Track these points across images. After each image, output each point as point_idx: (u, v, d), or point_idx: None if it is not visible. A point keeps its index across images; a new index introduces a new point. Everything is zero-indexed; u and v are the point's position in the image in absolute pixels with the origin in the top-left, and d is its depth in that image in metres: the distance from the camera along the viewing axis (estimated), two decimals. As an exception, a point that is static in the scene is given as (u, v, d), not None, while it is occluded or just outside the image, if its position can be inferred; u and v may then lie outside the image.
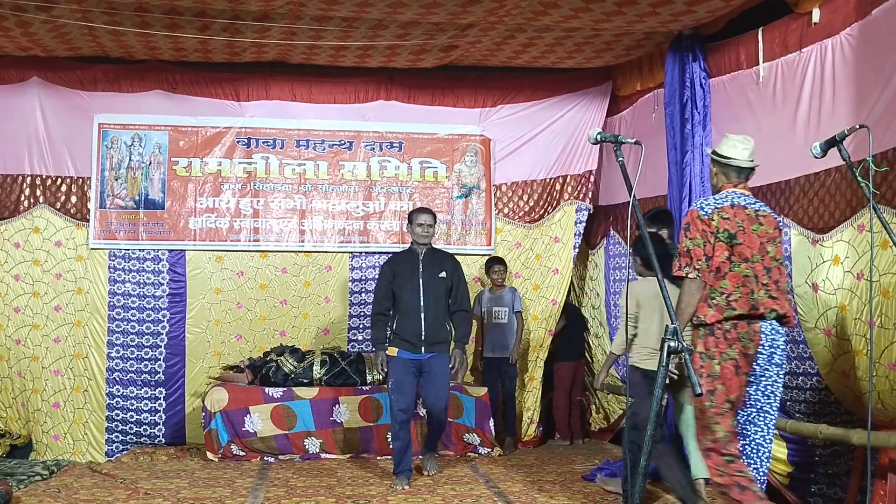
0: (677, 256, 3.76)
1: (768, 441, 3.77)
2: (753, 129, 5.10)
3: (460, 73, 6.99)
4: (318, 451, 6.34)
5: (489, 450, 6.46)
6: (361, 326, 7.12)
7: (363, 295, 7.11)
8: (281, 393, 6.35)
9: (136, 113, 6.81)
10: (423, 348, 5.37)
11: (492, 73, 7.01)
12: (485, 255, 7.14)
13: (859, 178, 3.01)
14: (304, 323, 7.06)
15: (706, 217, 3.71)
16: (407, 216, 5.65)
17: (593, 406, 7.33)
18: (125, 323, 6.76)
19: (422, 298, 5.39)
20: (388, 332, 5.50)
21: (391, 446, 5.59)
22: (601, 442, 6.98)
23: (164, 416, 6.75)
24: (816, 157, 3.25)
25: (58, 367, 6.65)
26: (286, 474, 5.73)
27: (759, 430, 3.76)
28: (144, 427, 6.71)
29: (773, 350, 3.71)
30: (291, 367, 6.50)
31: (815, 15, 4.52)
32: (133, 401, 6.72)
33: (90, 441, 6.63)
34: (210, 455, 6.23)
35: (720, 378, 3.63)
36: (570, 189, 7.18)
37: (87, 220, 6.74)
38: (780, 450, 4.97)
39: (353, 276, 7.12)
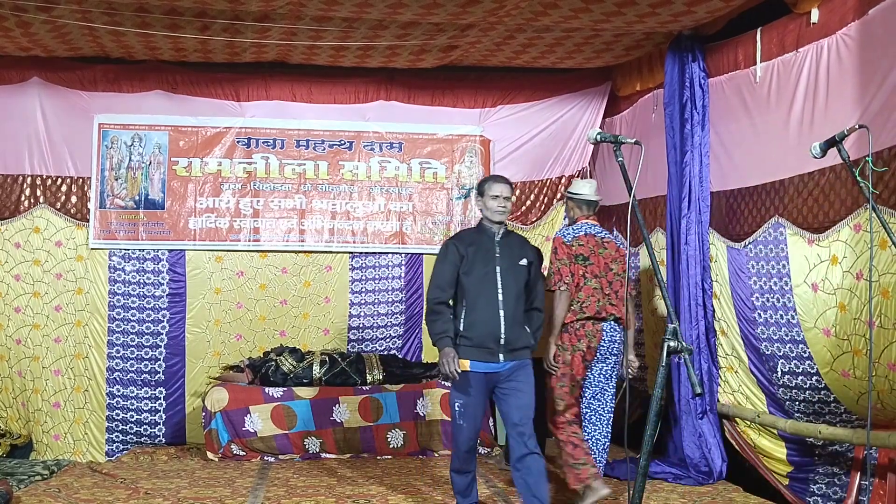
0: (550, 275, 4.87)
1: (607, 411, 5.01)
2: (749, 129, 5.12)
3: (460, 74, 6.99)
4: (318, 451, 6.35)
5: (489, 450, 6.46)
6: (361, 326, 7.12)
7: (363, 295, 7.12)
8: (281, 393, 6.36)
9: (136, 113, 6.81)
10: (501, 355, 4.16)
11: (492, 73, 7.01)
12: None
13: (859, 179, 3.01)
14: (304, 323, 7.06)
15: (568, 244, 4.86)
16: (476, 186, 4.50)
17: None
18: (125, 323, 6.77)
19: (500, 291, 4.20)
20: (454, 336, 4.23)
21: (452, 483, 4.42)
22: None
23: (164, 416, 6.75)
24: (816, 157, 3.26)
25: (58, 367, 6.66)
26: (286, 474, 5.73)
27: (601, 404, 5.02)
28: (144, 427, 6.71)
29: (611, 344, 4.92)
30: (291, 367, 6.50)
31: (814, 15, 4.53)
32: (133, 401, 6.72)
33: (90, 441, 6.64)
34: (210, 455, 6.24)
35: (571, 364, 4.86)
36: (563, 189, 7.20)
37: (88, 220, 6.74)
38: (780, 450, 4.98)
39: (353, 276, 7.12)
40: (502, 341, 4.16)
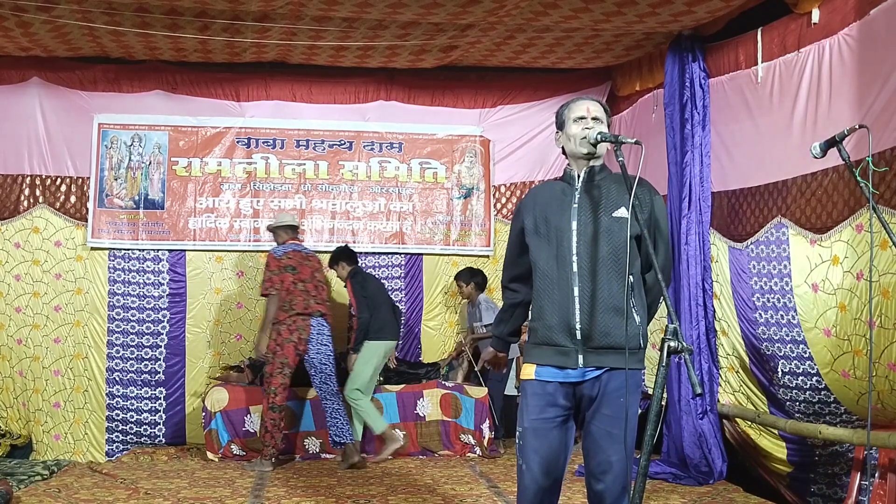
0: (263, 283, 5.96)
1: (336, 403, 5.96)
2: (751, 129, 5.12)
3: (460, 74, 6.99)
4: (318, 451, 6.34)
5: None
6: (361, 326, 7.11)
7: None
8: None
9: (136, 113, 6.82)
10: (580, 357, 2.78)
11: (492, 73, 7.01)
12: (484, 255, 7.14)
13: (859, 179, 3.01)
14: (304, 323, 7.05)
15: (278, 258, 5.95)
16: (555, 119, 3.05)
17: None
18: (125, 323, 6.76)
19: (575, 256, 2.81)
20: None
21: None
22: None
23: (164, 416, 6.75)
24: (816, 157, 3.26)
25: (58, 367, 6.65)
26: (286, 474, 5.73)
27: (329, 387, 5.98)
28: (144, 427, 6.71)
29: (319, 335, 5.96)
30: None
31: (815, 15, 4.53)
32: (133, 401, 6.72)
33: (90, 441, 6.64)
34: (210, 455, 6.23)
35: (283, 353, 5.85)
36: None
37: (87, 220, 6.74)
38: (781, 450, 4.98)
39: (353, 276, 7.11)
40: (578, 333, 2.77)
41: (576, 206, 2.88)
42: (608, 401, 2.79)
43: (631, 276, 2.76)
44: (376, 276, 7.17)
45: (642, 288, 2.88)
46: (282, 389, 5.88)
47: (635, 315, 2.78)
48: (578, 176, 2.95)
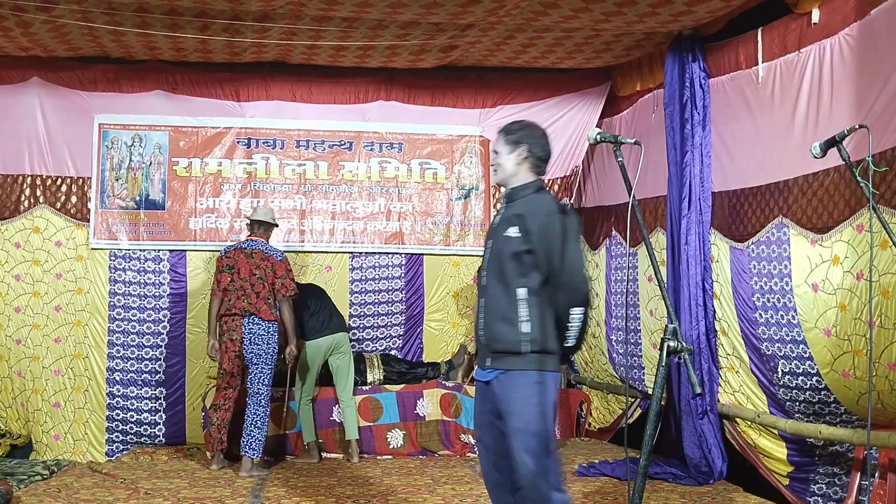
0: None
1: (262, 405, 5.75)
2: (752, 130, 5.12)
3: (460, 74, 6.99)
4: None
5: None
6: (362, 326, 7.12)
7: (363, 295, 7.12)
8: (281, 393, 6.35)
9: (136, 113, 6.81)
10: (487, 359, 3.30)
11: (492, 73, 7.01)
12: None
13: (859, 179, 3.01)
14: (304, 323, 7.06)
15: (221, 258, 5.93)
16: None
17: (593, 405, 7.33)
18: (126, 323, 6.76)
19: (484, 273, 3.36)
20: None
21: None
22: (601, 441, 6.97)
23: (164, 416, 6.75)
24: (816, 157, 3.26)
25: (58, 367, 6.65)
26: (286, 474, 5.73)
27: (252, 394, 5.77)
28: (144, 427, 6.71)
29: (251, 335, 5.75)
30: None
31: (815, 15, 4.53)
32: (133, 401, 6.72)
33: (90, 441, 6.64)
34: (210, 455, 6.23)
35: (221, 353, 5.84)
36: (561, 189, 7.21)
37: (88, 221, 6.74)
38: (781, 450, 4.98)
39: (353, 276, 7.12)
40: (482, 339, 3.30)
41: (495, 226, 3.39)
42: (508, 398, 3.19)
43: (523, 290, 3.19)
44: (377, 276, 7.18)
45: (536, 299, 3.19)
46: (222, 392, 5.88)
47: (522, 324, 3.18)
48: (504, 201, 3.45)
